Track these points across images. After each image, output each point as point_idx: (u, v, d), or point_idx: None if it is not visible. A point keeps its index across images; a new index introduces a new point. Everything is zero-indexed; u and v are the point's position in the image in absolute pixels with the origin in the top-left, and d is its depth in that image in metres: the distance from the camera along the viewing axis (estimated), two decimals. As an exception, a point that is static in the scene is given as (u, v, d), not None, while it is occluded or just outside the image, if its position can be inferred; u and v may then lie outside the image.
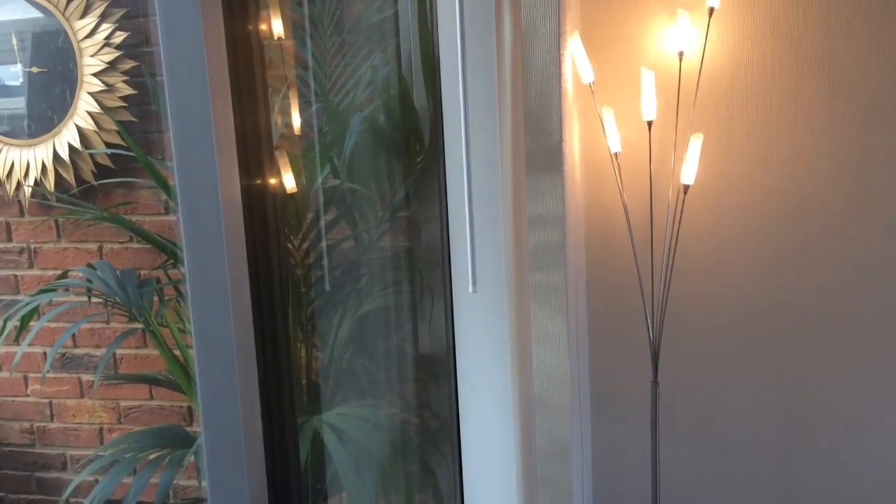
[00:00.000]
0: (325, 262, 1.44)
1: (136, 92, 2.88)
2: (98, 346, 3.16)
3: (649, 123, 1.72)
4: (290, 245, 1.42)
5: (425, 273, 1.56)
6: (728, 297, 1.92)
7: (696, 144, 1.71)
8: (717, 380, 1.97)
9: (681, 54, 1.76)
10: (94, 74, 2.86)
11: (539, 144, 1.56)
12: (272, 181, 1.37)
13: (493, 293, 1.22)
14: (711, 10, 1.72)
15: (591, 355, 2.06)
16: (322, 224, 1.40)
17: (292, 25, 1.69)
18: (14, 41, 2.94)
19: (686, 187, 1.73)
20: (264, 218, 1.35)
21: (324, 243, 1.42)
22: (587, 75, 1.70)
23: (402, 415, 1.74)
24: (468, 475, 1.36)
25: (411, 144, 1.51)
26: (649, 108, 1.70)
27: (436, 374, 1.52)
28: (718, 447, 2.00)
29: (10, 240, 3.16)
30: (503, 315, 1.22)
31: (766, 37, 1.79)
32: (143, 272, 2.95)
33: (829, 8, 1.74)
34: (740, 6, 1.78)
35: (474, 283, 1.21)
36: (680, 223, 1.77)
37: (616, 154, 1.78)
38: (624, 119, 1.80)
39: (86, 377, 3.20)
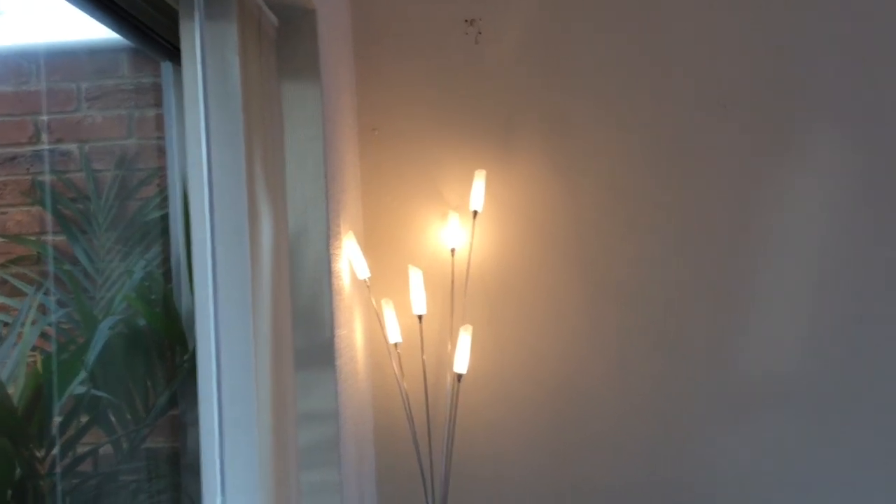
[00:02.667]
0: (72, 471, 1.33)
1: None
2: None
3: (420, 317, 1.81)
4: (35, 455, 1.30)
5: (190, 481, 1.48)
6: (509, 484, 1.96)
7: (465, 336, 1.81)
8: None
9: (452, 251, 1.91)
10: None
11: (310, 340, 1.58)
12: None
13: (246, 500, 1.17)
14: (475, 213, 1.90)
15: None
16: (72, 431, 1.31)
17: (64, 221, 1.66)
18: None
19: (459, 376, 1.81)
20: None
21: (73, 451, 1.32)
22: (362, 272, 1.78)
23: None
24: None
25: (173, 346, 1.49)
26: (419, 303, 1.79)
27: None
28: None
29: None
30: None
31: (528, 238, 1.98)
32: None
33: (580, 213, 1.97)
34: (503, 209, 1.98)
35: (223, 496, 1.16)
36: (456, 411, 1.83)
37: (396, 345, 1.84)
38: (404, 312, 1.87)
39: None
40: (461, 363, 1.80)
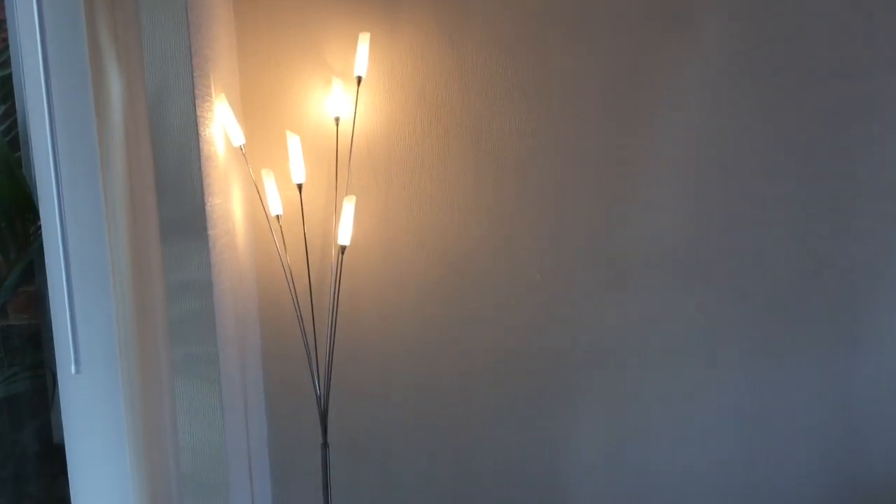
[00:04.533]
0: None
1: None
2: None
3: (299, 186, 1.73)
4: None
5: (51, 357, 1.40)
6: (396, 356, 1.98)
7: (349, 206, 1.75)
8: (390, 435, 2.00)
9: (337, 119, 1.82)
10: None
11: (178, 209, 1.49)
12: None
13: (105, 371, 1.11)
14: (359, 79, 1.80)
15: (269, 425, 1.99)
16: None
17: None
18: None
19: (343, 248, 1.76)
20: None
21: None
22: (237, 138, 1.67)
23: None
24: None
25: (24, 216, 1.37)
26: (298, 171, 1.71)
27: (52, 467, 1.35)
28: (397, 500, 2.02)
29: None
30: (116, 394, 1.12)
31: (415, 107, 1.90)
32: None
33: (469, 81, 1.90)
34: (389, 77, 1.89)
35: (77, 364, 1.10)
36: (340, 285, 1.80)
37: (277, 217, 1.77)
38: (287, 184, 1.79)
39: None
40: (344, 235, 1.75)
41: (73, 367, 1.09)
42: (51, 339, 1.51)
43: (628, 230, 1.97)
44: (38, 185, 1.09)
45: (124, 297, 1.18)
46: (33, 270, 1.46)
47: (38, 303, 1.50)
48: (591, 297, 1.99)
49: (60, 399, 1.13)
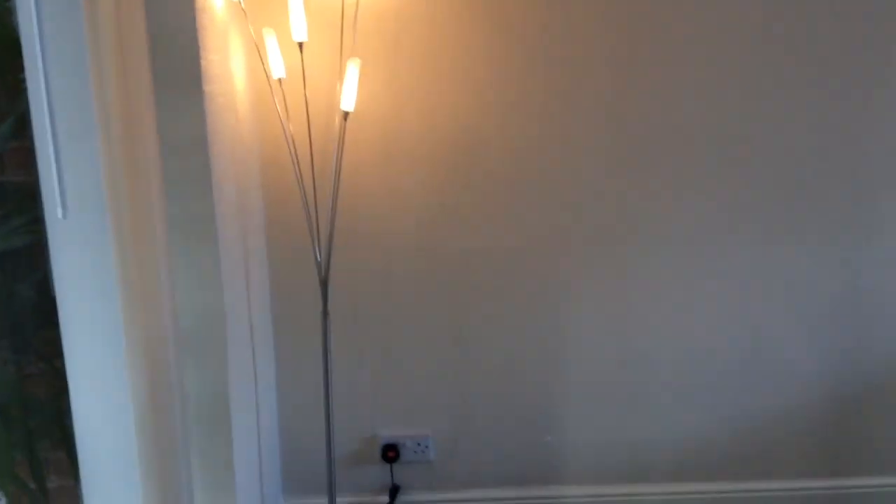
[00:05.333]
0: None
1: None
2: None
3: (300, 45, 1.65)
4: None
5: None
6: (398, 227, 1.95)
7: (353, 69, 1.68)
8: (391, 307, 2.00)
9: (342, -25, 1.71)
10: None
11: (173, 63, 1.43)
12: None
13: (93, 217, 1.09)
14: (367, -68, 1.68)
15: (272, 292, 2.00)
16: None
17: None
18: None
19: (346, 114, 1.70)
20: None
21: None
22: (235, -10, 1.59)
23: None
24: (82, 438, 1.23)
25: (14, 64, 1.32)
26: (299, 26, 1.62)
27: (49, 318, 1.35)
28: (397, 371, 2.05)
29: None
30: (107, 245, 1.11)
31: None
32: None
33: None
34: (400, -69, 1.77)
35: (63, 207, 1.08)
36: (342, 151, 1.74)
37: (280, 81, 1.70)
38: (290, 48, 1.70)
39: None
40: (348, 99, 1.68)
41: (59, 211, 1.07)
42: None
43: (640, 103, 1.89)
44: (22, 33, 1.04)
45: (112, 147, 1.14)
46: (28, 124, 1.42)
47: (34, 157, 1.47)
48: (599, 175, 1.93)
49: (49, 247, 1.11)
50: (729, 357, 2.05)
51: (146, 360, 1.27)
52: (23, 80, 1.40)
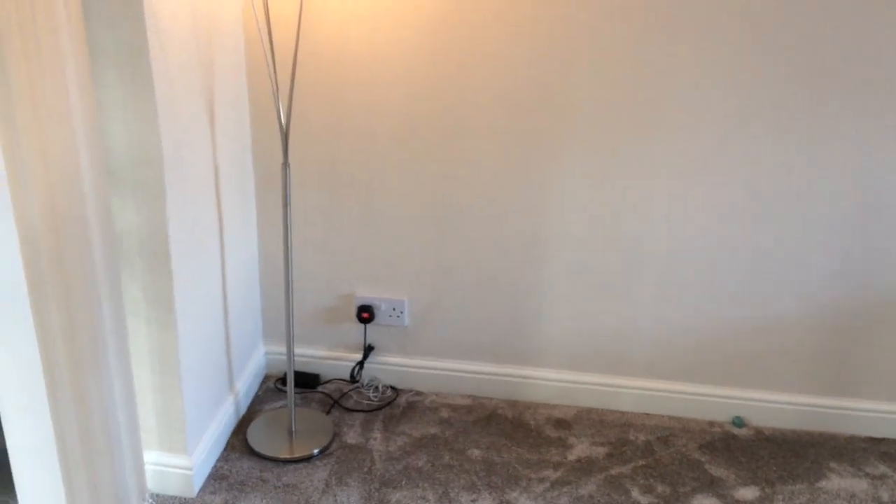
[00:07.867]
0: None
1: None
2: None
3: None
4: None
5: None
6: (381, 81, 1.85)
7: None
8: (373, 167, 1.94)
9: None
10: None
11: None
12: None
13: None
14: None
15: (254, 145, 1.98)
16: None
17: None
18: None
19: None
20: None
21: None
22: None
23: None
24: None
25: None
26: None
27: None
28: (378, 234, 2.01)
29: None
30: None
31: None
32: None
33: None
34: None
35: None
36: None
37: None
38: None
39: None
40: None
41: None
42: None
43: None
44: None
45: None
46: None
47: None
48: (600, 44, 1.73)
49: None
50: (724, 256, 1.87)
51: (43, 192, 1.28)
52: None
